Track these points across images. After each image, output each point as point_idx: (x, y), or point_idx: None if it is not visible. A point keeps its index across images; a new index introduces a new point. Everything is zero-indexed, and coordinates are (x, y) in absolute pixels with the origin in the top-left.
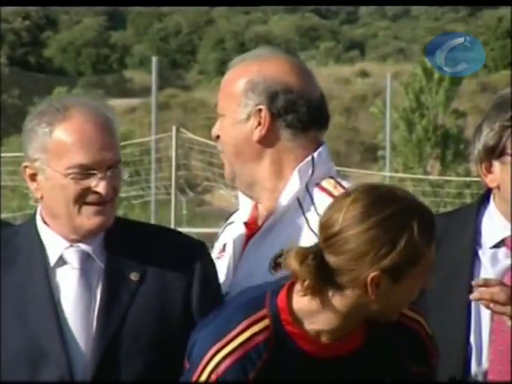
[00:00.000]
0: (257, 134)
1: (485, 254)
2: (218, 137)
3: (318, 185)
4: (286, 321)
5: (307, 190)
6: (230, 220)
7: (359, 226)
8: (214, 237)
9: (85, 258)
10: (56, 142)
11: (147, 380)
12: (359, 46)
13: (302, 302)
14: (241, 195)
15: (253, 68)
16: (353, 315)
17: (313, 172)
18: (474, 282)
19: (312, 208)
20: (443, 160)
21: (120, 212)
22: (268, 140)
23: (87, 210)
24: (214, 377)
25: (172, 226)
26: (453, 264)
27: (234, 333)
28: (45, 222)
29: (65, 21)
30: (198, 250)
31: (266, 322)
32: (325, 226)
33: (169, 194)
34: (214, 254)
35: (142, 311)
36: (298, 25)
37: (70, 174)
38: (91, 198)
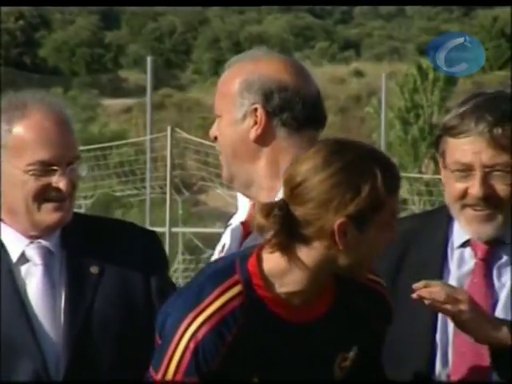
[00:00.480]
0: (253, 133)
1: (453, 255)
2: (216, 138)
3: None
4: (257, 285)
5: None
6: (230, 221)
7: (321, 174)
8: (209, 237)
9: (46, 254)
10: (16, 139)
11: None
12: (354, 45)
13: (271, 261)
14: (240, 196)
15: (247, 68)
16: (322, 271)
17: None
18: (414, 286)
19: None
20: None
21: (118, 212)
22: (264, 139)
23: (47, 206)
24: (192, 345)
25: (167, 226)
26: (423, 264)
27: (208, 300)
28: (0, 219)
29: (58, 20)
30: (152, 240)
31: (239, 287)
32: (288, 179)
33: (164, 193)
34: (215, 256)
35: (105, 302)
36: (292, 24)
37: (30, 170)
38: (51, 194)
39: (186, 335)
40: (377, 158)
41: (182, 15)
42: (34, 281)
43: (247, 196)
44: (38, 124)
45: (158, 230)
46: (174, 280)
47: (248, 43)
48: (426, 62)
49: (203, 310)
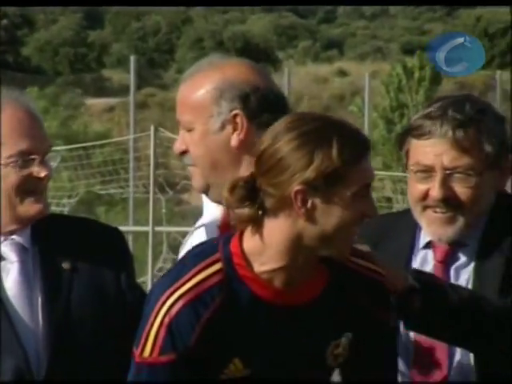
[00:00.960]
0: (235, 139)
1: (417, 255)
2: (184, 152)
3: None
4: (238, 265)
5: None
6: (197, 225)
7: (281, 140)
8: None
9: (20, 250)
10: None
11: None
12: (337, 45)
13: (250, 240)
14: (206, 200)
15: (213, 76)
16: (295, 246)
17: None
18: None
19: None
20: None
21: (102, 211)
22: (246, 144)
23: (28, 198)
24: (166, 320)
25: (150, 225)
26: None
27: (186, 277)
28: None
29: (41, 20)
30: (117, 237)
31: (219, 265)
32: (255, 150)
33: (148, 192)
34: None
35: (80, 297)
36: (275, 24)
37: (10, 162)
38: (31, 185)
39: (162, 310)
40: (338, 129)
41: (165, 15)
42: (10, 278)
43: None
44: (11, 117)
45: (141, 229)
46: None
47: (231, 43)
48: (411, 61)
49: (181, 286)
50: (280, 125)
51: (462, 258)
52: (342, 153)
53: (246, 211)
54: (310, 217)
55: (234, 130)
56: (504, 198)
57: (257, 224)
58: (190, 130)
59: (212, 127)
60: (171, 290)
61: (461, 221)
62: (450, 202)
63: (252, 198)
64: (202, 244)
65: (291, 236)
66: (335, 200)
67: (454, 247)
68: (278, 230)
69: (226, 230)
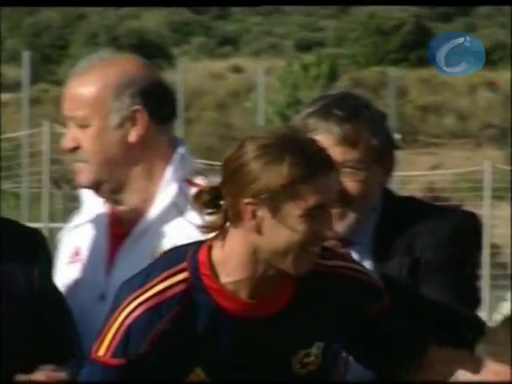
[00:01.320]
0: (133, 135)
1: None
2: (75, 148)
3: (188, 181)
4: (205, 275)
5: (179, 186)
6: (75, 223)
7: (243, 149)
8: None
9: None
10: None
11: None
12: (232, 41)
13: (216, 250)
14: (87, 197)
15: (110, 71)
16: (255, 259)
17: (182, 168)
18: None
19: (186, 203)
20: None
21: None
22: (145, 140)
23: None
24: (124, 325)
25: (46, 221)
26: None
27: (151, 283)
28: None
29: None
30: (38, 237)
31: (185, 274)
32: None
33: (42, 188)
34: (64, 259)
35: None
36: (170, 20)
37: None
38: None
39: (122, 314)
40: (295, 146)
41: (59, 10)
42: None
43: (115, 201)
44: None
45: (36, 225)
46: None
47: (126, 38)
48: (308, 58)
49: (144, 292)
50: (244, 139)
51: (353, 256)
52: (293, 170)
53: (209, 218)
54: (260, 231)
55: (133, 125)
56: (390, 196)
57: (223, 233)
58: (83, 127)
59: (110, 123)
60: (135, 294)
61: (351, 217)
62: (339, 196)
63: (216, 206)
64: (174, 249)
65: (248, 248)
66: (284, 216)
67: (344, 245)
68: (238, 241)
69: (117, 228)
